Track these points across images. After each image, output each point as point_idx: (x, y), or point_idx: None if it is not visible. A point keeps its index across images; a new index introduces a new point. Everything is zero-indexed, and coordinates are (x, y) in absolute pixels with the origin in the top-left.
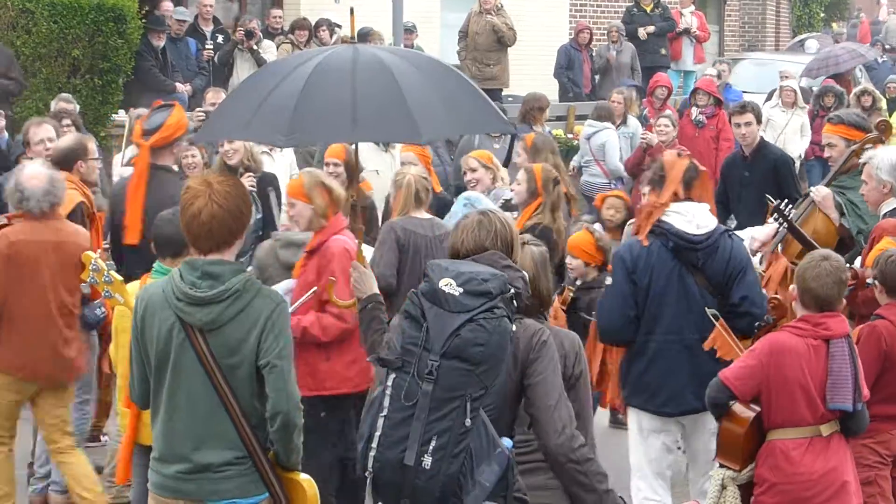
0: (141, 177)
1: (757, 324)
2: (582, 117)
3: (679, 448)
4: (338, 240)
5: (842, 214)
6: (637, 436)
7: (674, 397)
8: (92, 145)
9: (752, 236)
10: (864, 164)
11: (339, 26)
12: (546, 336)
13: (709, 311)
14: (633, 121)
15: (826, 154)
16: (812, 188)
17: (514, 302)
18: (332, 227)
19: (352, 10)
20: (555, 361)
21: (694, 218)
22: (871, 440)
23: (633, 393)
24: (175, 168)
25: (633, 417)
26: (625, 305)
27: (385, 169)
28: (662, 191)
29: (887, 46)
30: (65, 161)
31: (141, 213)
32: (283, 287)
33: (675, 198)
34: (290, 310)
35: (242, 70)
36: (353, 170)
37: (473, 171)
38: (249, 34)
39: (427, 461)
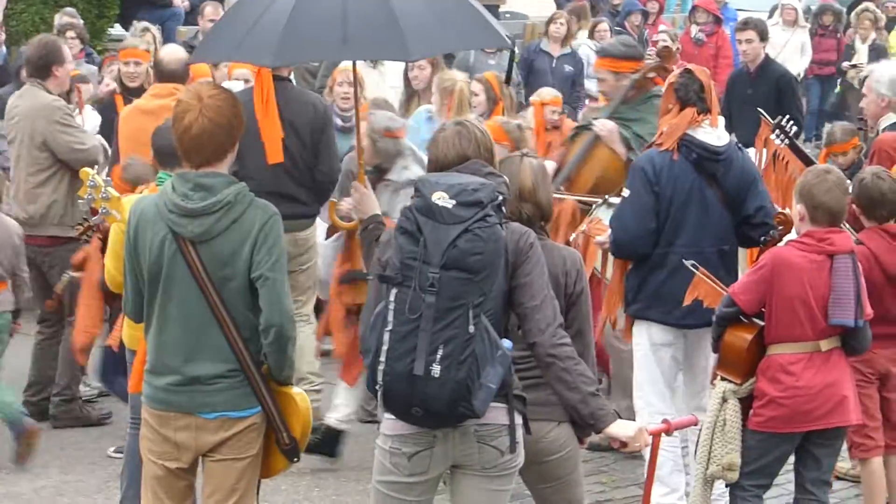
0: None
1: (763, 238)
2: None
3: None
4: None
5: (629, 149)
6: (647, 350)
7: (694, 309)
8: None
9: None
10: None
11: None
12: (532, 238)
13: (686, 263)
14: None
15: (599, 88)
16: (595, 121)
17: (502, 208)
18: None
19: None
20: (541, 263)
21: (714, 130)
22: (855, 359)
23: (649, 306)
24: None
25: (643, 332)
26: (646, 218)
27: (372, 86)
28: (711, 109)
29: None
30: (177, 76)
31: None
32: None
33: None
34: None
35: None
36: None
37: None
38: None
39: (436, 370)
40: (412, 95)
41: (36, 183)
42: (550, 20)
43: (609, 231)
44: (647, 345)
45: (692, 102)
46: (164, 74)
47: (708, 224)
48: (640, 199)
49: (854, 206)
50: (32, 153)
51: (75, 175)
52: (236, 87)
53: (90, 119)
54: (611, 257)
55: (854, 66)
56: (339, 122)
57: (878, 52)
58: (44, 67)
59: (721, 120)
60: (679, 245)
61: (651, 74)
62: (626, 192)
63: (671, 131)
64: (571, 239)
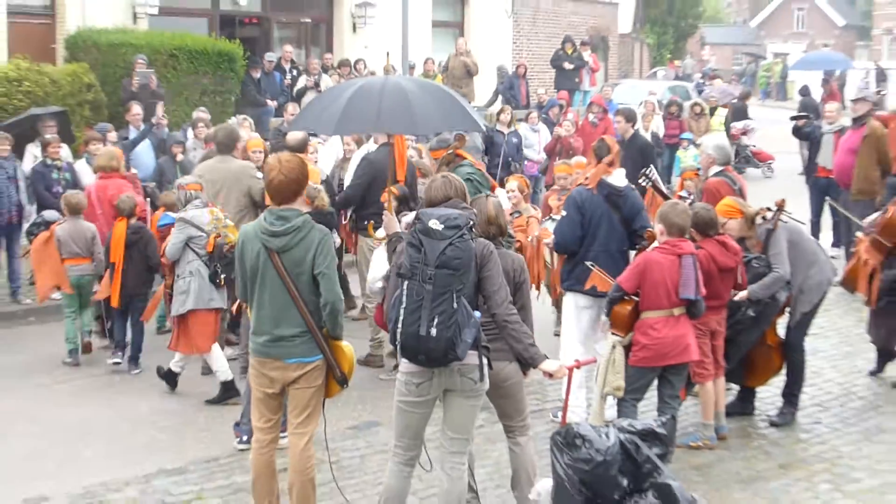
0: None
1: (637, 246)
2: (520, 119)
3: None
4: None
5: None
6: (573, 313)
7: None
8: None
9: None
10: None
11: (366, 65)
12: (491, 248)
13: (587, 263)
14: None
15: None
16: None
17: (472, 229)
18: None
19: (388, 54)
20: (498, 263)
21: (619, 176)
22: (695, 321)
23: (576, 283)
24: None
25: (571, 300)
26: (575, 229)
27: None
28: (613, 162)
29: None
30: (299, 148)
31: None
32: None
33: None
34: None
35: (310, 96)
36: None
37: None
38: (317, 84)
39: (433, 331)
40: (346, 158)
41: (240, 217)
42: (500, 111)
43: (553, 236)
44: (573, 307)
45: (603, 157)
46: (290, 147)
47: (613, 234)
48: (572, 217)
49: (692, 228)
50: (239, 199)
51: (258, 211)
52: (372, 146)
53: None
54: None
55: None
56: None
57: (655, 138)
58: (230, 145)
59: (622, 171)
60: (595, 246)
61: (450, 152)
62: (563, 213)
63: (593, 177)
64: (528, 240)
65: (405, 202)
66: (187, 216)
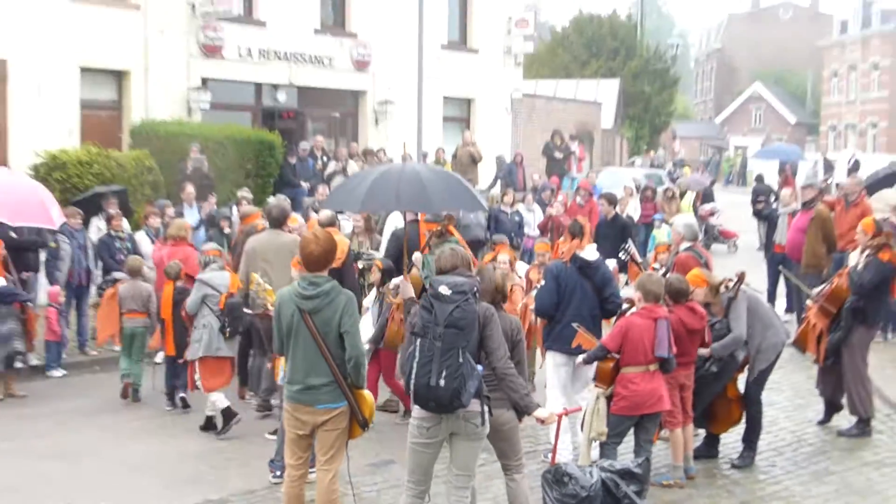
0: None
1: (618, 311)
2: (518, 200)
3: None
4: None
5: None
6: (553, 369)
7: (578, 345)
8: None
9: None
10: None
11: (386, 153)
12: (492, 311)
13: (574, 325)
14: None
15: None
16: (414, 254)
17: (476, 294)
18: None
19: (405, 144)
20: (498, 324)
21: (590, 251)
22: (666, 376)
23: (554, 342)
24: None
25: (551, 358)
26: (553, 296)
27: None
28: (584, 239)
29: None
30: (329, 223)
31: None
32: None
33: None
34: None
35: (338, 179)
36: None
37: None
38: (344, 169)
39: (442, 382)
40: (354, 232)
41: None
42: (504, 193)
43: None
44: (552, 364)
45: (578, 236)
46: (321, 223)
47: (585, 301)
48: (550, 286)
49: (666, 295)
50: (292, 269)
51: None
52: (400, 221)
53: None
54: None
55: None
56: None
57: (629, 219)
58: (282, 221)
59: (594, 245)
60: (570, 311)
61: (439, 229)
62: (542, 283)
63: (567, 251)
64: (518, 308)
65: (389, 274)
66: (205, 277)
